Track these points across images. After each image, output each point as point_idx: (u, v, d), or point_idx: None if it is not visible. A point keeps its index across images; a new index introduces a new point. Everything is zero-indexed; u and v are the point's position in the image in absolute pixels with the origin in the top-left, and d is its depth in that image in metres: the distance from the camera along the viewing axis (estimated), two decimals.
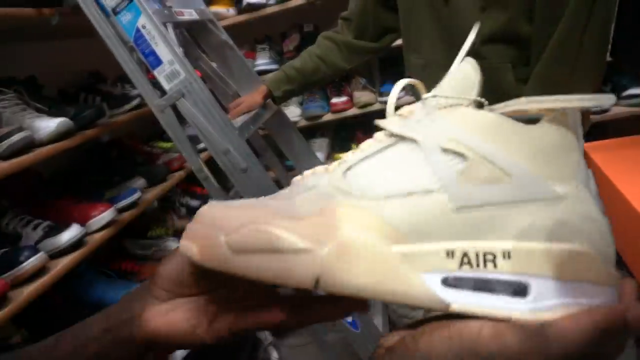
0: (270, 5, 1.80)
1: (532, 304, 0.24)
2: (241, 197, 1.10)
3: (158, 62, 1.02)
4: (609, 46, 0.90)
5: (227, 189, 1.20)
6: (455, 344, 0.24)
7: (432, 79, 1.21)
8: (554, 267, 0.24)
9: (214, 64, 1.43)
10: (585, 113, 1.05)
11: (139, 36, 0.99)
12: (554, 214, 0.24)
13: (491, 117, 0.26)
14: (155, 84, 1.08)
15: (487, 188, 0.25)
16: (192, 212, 1.75)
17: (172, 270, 0.31)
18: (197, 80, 1.04)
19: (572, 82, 0.93)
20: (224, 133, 1.06)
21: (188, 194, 1.78)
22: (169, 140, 1.68)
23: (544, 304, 0.24)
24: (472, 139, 0.25)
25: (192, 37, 1.40)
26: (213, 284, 0.31)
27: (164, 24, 1.03)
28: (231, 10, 1.87)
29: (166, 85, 1.04)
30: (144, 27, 0.98)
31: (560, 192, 0.25)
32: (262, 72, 1.85)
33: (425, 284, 0.25)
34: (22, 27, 1.14)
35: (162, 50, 1.01)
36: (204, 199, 1.77)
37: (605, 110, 1.64)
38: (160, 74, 1.02)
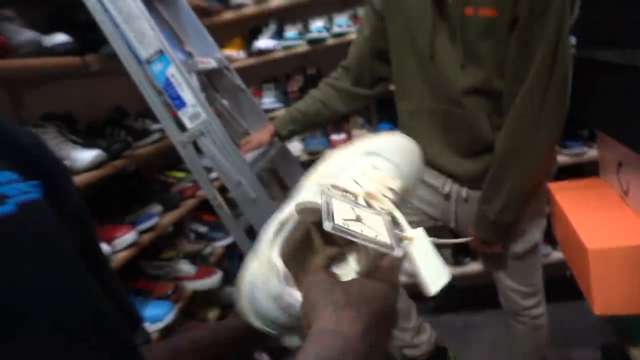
0: (277, 50, 1.99)
1: None
2: (250, 224, 1.24)
3: (183, 104, 1.18)
4: (568, 103, 1.05)
5: (237, 216, 1.34)
6: None
7: (419, 121, 1.42)
8: None
9: (226, 103, 1.59)
10: (552, 154, 1.18)
11: (167, 83, 1.16)
12: None
13: None
14: (175, 120, 1.23)
15: None
16: (199, 237, 1.88)
17: None
18: (215, 120, 1.20)
19: (535, 132, 1.07)
20: (237, 167, 1.21)
21: (197, 221, 1.91)
22: (182, 170, 1.84)
23: None
24: None
25: (209, 79, 1.58)
26: None
27: (189, 72, 1.20)
28: (242, 53, 2.06)
29: (189, 124, 1.20)
30: (172, 75, 1.15)
31: None
32: (267, 110, 2.02)
33: None
34: (63, 70, 1.31)
35: (186, 95, 1.17)
36: (211, 226, 1.90)
37: (581, 153, 1.81)
38: (184, 115, 1.18)
